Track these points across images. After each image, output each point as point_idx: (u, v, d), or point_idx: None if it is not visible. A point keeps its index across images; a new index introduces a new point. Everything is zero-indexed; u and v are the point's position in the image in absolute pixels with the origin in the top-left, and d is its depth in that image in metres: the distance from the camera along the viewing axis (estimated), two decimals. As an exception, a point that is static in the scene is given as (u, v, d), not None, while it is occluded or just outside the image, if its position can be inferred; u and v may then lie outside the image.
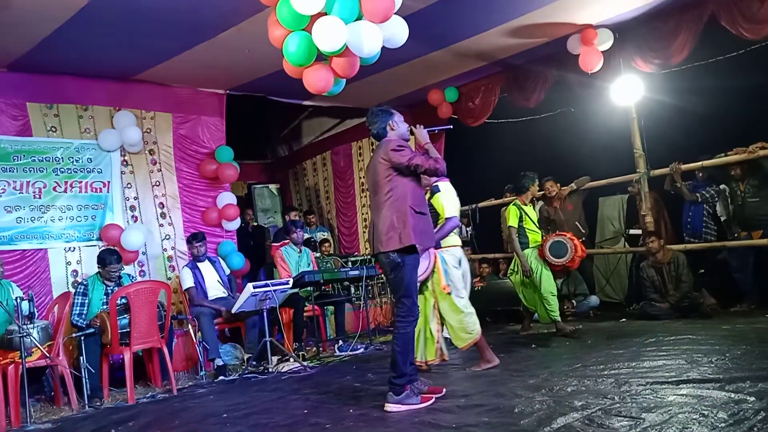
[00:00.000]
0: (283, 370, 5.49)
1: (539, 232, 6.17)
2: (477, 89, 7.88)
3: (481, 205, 8.55)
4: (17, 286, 5.32)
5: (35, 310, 4.89)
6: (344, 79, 4.65)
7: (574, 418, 3.12)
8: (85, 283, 5.42)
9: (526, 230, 6.03)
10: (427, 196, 4.67)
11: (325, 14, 4.07)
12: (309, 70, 4.60)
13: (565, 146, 7.45)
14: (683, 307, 6.12)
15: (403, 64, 6.84)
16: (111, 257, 5.45)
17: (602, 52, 6.31)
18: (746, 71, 5.81)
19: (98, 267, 5.50)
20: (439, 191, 4.75)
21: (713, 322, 5.61)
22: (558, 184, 7.34)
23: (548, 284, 5.96)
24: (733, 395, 3.20)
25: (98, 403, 4.84)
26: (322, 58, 4.44)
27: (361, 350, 6.31)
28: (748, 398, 3.11)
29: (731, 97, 6.04)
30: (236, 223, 7.17)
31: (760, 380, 3.36)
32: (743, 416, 2.86)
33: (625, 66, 6.52)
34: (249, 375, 5.45)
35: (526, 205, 6.10)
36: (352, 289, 7.45)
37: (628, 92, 6.55)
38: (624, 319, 6.46)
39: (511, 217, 6.01)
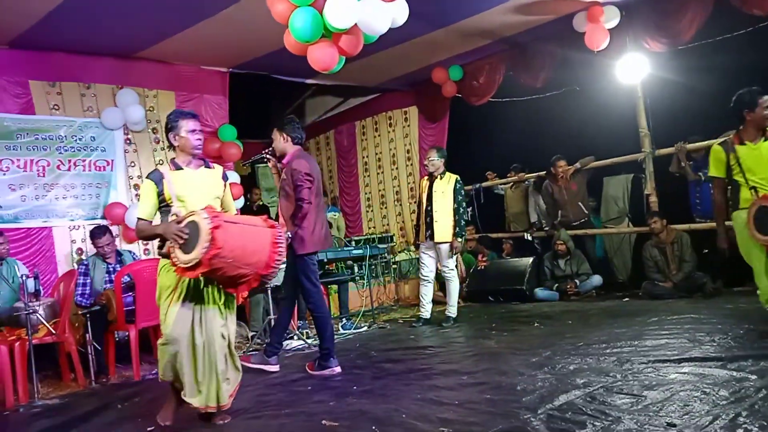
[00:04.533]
0: (286, 348, 5.52)
1: (757, 185, 3.96)
2: (481, 68, 7.81)
3: (484, 185, 8.55)
4: (22, 263, 5.35)
5: (41, 288, 4.93)
6: (345, 57, 4.61)
7: (576, 395, 3.15)
8: (86, 263, 5.40)
9: (739, 183, 4.05)
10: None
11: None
12: (314, 47, 4.56)
13: (570, 125, 7.40)
14: (686, 287, 6.12)
15: (407, 42, 6.77)
16: (98, 232, 5.39)
17: (609, 30, 6.23)
18: (755, 49, 5.74)
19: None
20: None
21: (716, 302, 5.62)
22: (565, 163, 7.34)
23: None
24: (734, 373, 3.22)
25: (104, 380, 4.89)
26: (324, 35, 4.40)
27: (364, 329, 6.34)
28: (749, 376, 3.13)
29: (739, 75, 5.95)
30: (239, 202, 7.17)
31: (762, 359, 3.38)
32: (744, 394, 2.88)
33: (632, 44, 6.45)
34: (253, 352, 5.48)
35: (744, 144, 4.03)
36: (356, 268, 7.47)
37: (634, 70, 6.49)
38: (627, 299, 6.47)
39: (714, 164, 4.19)
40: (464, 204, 6.14)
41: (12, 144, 5.83)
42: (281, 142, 4.56)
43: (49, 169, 6.03)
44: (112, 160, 6.42)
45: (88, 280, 5.26)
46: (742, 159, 3.98)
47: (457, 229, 5.98)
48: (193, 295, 3.23)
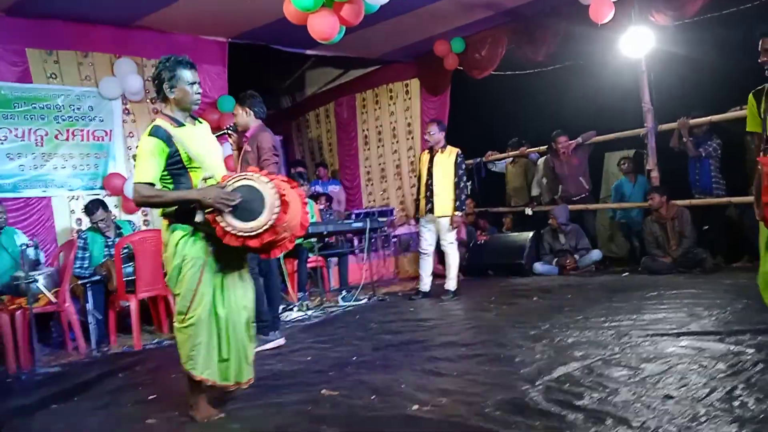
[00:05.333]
0: (287, 319, 5.56)
1: None
2: (484, 40, 7.72)
3: (485, 159, 8.52)
4: (22, 233, 5.35)
5: (41, 257, 4.93)
6: (345, 27, 4.56)
7: (574, 367, 3.16)
8: (84, 236, 5.36)
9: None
10: None
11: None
12: (314, 16, 4.51)
13: (573, 100, 7.33)
14: (686, 262, 6.14)
15: (409, 13, 6.68)
16: (92, 207, 5.35)
17: (614, 2, 6.14)
18: (762, 23, 5.65)
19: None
20: None
21: (715, 277, 5.62)
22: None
23: None
24: (732, 347, 3.23)
25: (105, 349, 4.92)
26: (325, 3, 4.35)
27: (364, 301, 6.37)
28: (747, 350, 3.15)
29: (745, 50, 5.88)
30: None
31: (760, 333, 3.39)
32: (741, 367, 2.89)
33: (638, 17, 6.36)
34: (253, 323, 5.51)
35: None
36: (356, 241, 7.48)
37: (638, 44, 6.41)
38: (626, 274, 6.49)
39: (747, 116, 3.40)
40: (465, 178, 6.12)
41: (10, 113, 5.78)
42: (243, 116, 4.60)
43: (47, 138, 6.00)
44: (111, 131, 6.39)
45: (87, 254, 5.25)
46: None
47: (458, 203, 5.97)
48: (217, 266, 2.92)
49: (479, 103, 8.29)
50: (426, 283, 6.24)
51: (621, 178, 7.46)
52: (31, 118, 5.91)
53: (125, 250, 5.03)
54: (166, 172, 2.85)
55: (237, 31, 6.98)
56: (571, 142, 7.25)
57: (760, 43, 3.32)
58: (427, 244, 6.17)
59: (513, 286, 6.41)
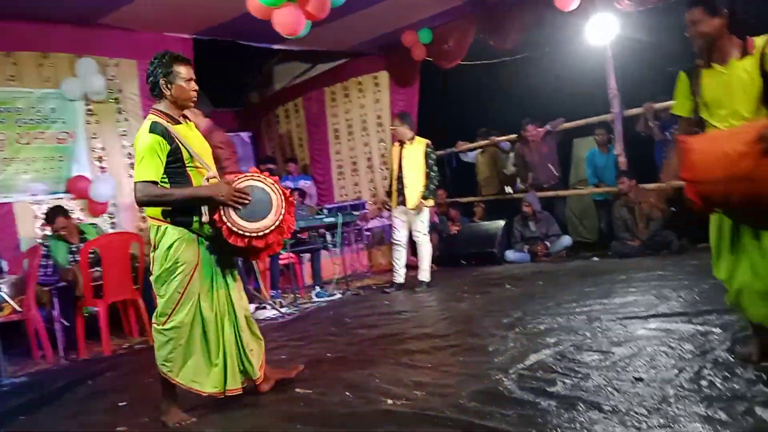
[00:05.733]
0: (260, 318, 5.51)
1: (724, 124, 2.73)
2: (451, 30, 7.69)
3: (456, 150, 8.53)
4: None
5: (3, 265, 4.81)
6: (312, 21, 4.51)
7: (547, 354, 3.19)
8: (46, 244, 5.19)
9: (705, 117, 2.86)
10: None
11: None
12: (279, 12, 4.45)
13: (540, 88, 7.38)
14: (654, 245, 6.23)
15: (375, 5, 6.63)
16: (51, 215, 5.20)
17: (579, -11, 6.18)
18: (725, 7, 5.73)
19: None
20: None
21: (682, 258, 5.72)
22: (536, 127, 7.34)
23: None
24: (699, 327, 3.30)
25: (74, 356, 4.82)
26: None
27: (338, 296, 6.35)
28: (714, 330, 3.21)
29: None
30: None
31: (726, 312, 3.44)
32: (709, 347, 2.95)
33: (602, 4, 6.40)
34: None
35: (710, 67, 2.79)
36: (328, 236, 7.44)
37: (603, 31, 6.47)
38: (596, 258, 6.56)
39: (676, 96, 3.06)
40: (435, 168, 6.12)
41: (-33, 117, 5.62)
42: (191, 116, 4.51)
43: (8, 142, 5.84)
44: (74, 132, 6.24)
45: (50, 262, 5.11)
46: (704, 88, 2.81)
47: (426, 191, 5.98)
48: (209, 269, 2.89)
49: (449, 94, 8.29)
50: (400, 275, 6.24)
51: (593, 148, 7.49)
52: (-9, 122, 5.76)
53: (91, 255, 4.93)
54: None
55: (201, 27, 6.86)
56: (539, 129, 7.30)
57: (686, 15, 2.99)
58: (400, 235, 6.17)
59: (485, 275, 6.44)
